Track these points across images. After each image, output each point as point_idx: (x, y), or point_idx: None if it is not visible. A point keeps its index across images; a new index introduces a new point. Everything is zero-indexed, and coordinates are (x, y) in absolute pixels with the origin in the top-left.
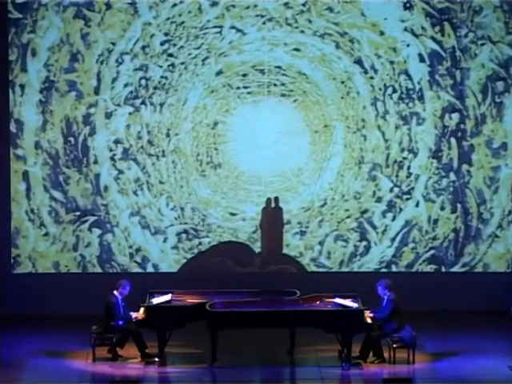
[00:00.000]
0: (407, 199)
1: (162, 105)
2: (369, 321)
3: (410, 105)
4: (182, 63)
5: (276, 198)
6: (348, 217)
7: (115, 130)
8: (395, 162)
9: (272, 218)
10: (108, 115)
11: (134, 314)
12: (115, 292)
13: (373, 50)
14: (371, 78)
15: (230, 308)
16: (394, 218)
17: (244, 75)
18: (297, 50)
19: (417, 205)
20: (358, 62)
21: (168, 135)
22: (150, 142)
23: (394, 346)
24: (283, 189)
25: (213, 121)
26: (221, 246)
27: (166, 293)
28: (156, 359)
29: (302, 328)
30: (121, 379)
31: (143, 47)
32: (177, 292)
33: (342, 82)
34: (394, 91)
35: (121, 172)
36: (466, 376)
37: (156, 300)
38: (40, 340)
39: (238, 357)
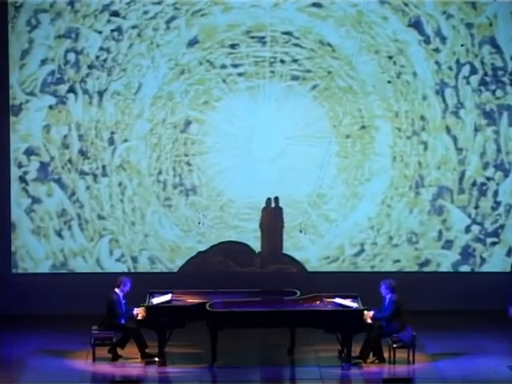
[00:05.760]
0: (493, 244)
1: (101, 93)
2: (369, 321)
3: (499, 93)
4: (134, 27)
5: (276, 198)
6: (399, 271)
7: (27, 134)
8: (474, 184)
9: (272, 217)
10: (15, 111)
11: (135, 311)
12: (116, 290)
13: (439, 6)
14: (436, 50)
15: (230, 308)
16: (472, 273)
17: (233, 46)
18: (317, 5)
19: (508, 253)
20: (415, 24)
21: (112, 142)
22: (82, 153)
23: (394, 346)
24: (295, 227)
25: (183, 119)
26: (221, 246)
27: (166, 293)
28: (156, 359)
29: (302, 328)
30: (121, 379)
31: (71, 1)
32: (177, 292)
33: (390, 58)
34: (473, 72)
35: (36, 201)
36: (466, 376)
37: (156, 300)
38: (40, 340)
39: (238, 357)
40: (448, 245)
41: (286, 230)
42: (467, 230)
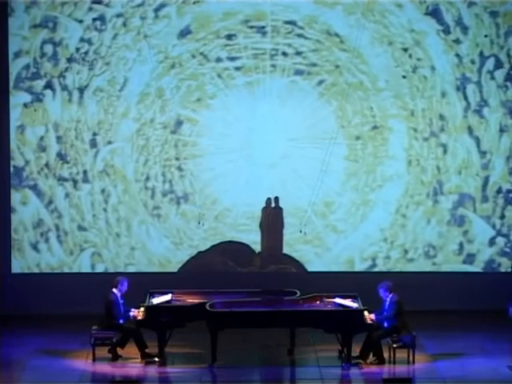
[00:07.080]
0: None
1: (82, 90)
2: (369, 321)
3: None
4: (119, 16)
5: (276, 198)
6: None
7: None
8: (499, 191)
9: (272, 217)
10: None
11: (132, 313)
12: (114, 290)
13: None
14: (456, 41)
15: (230, 308)
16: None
17: (229, 37)
18: None
19: None
20: (434, 13)
21: (94, 144)
22: (61, 157)
23: (394, 346)
24: (298, 239)
25: (174, 118)
26: (221, 246)
27: (166, 293)
28: (156, 359)
29: (302, 328)
30: (121, 379)
31: None
32: (177, 292)
33: (405, 50)
34: (498, 66)
35: (10, 210)
36: (466, 376)
37: (156, 300)
38: (40, 340)
39: (238, 357)
40: (470, 259)
41: (289, 243)
42: (491, 242)
